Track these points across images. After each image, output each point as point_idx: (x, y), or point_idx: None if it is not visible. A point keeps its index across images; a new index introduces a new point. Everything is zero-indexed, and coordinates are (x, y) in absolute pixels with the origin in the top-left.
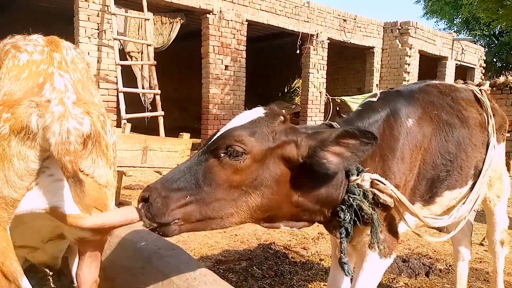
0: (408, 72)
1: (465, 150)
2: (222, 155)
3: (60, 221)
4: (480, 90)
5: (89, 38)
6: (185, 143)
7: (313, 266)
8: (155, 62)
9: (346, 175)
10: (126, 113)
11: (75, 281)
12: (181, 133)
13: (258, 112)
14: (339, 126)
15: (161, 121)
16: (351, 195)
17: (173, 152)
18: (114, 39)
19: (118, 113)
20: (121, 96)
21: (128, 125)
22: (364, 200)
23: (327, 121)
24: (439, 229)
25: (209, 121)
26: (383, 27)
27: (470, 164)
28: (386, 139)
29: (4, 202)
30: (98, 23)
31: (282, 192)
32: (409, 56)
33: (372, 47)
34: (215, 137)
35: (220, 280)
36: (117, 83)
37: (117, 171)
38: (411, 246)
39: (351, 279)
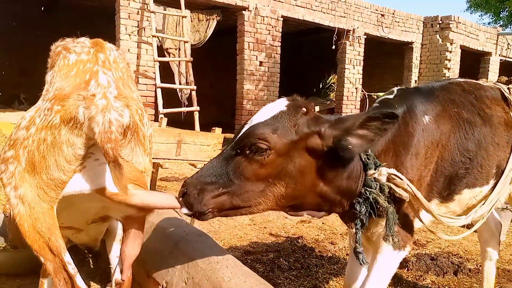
0: (449, 68)
1: (486, 149)
2: (248, 152)
3: (109, 199)
4: (508, 88)
5: (129, 35)
6: (217, 137)
7: (339, 260)
8: (192, 58)
9: (364, 169)
10: (163, 108)
11: (112, 264)
12: (214, 128)
13: (281, 104)
14: None
15: (196, 116)
16: (368, 188)
17: (205, 145)
18: (153, 36)
19: (156, 107)
20: (158, 91)
21: (165, 120)
22: (380, 193)
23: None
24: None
25: (242, 116)
26: (423, 22)
27: (492, 163)
28: (401, 135)
29: (53, 183)
30: (138, 21)
31: (306, 182)
32: (450, 52)
33: (411, 43)
34: (241, 133)
35: (240, 265)
36: (155, 78)
37: (153, 163)
38: (442, 245)
39: None
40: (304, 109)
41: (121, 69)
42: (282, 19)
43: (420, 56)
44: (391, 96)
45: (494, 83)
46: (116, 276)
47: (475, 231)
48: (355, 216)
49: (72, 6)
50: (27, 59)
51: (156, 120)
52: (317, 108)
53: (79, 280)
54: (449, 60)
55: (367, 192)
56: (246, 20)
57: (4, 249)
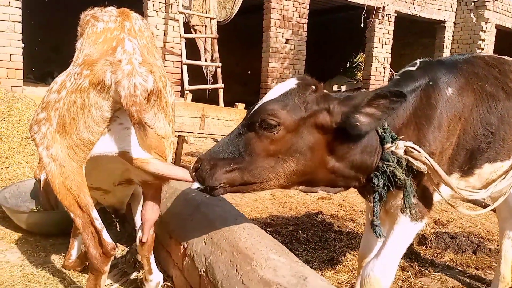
0: (482, 49)
1: (508, 123)
2: (258, 128)
3: (129, 163)
4: None
5: (156, 11)
6: (240, 113)
7: (358, 235)
8: (217, 35)
9: (381, 143)
10: (189, 85)
11: (137, 226)
12: (236, 103)
13: (291, 83)
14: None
15: (221, 93)
16: (385, 162)
17: (228, 120)
18: (180, 12)
19: (181, 84)
20: (184, 68)
21: (190, 95)
22: (397, 166)
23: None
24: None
25: None
26: (457, 0)
27: None
28: (423, 108)
29: (83, 143)
30: None
31: (317, 158)
32: (484, 31)
33: (444, 21)
34: (253, 111)
35: (257, 228)
36: (181, 55)
37: (178, 137)
38: (463, 225)
39: None
40: (314, 87)
41: (145, 38)
42: None
43: (453, 36)
44: (414, 68)
45: None
46: (139, 234)
47: (492, 210)
48: (373, 189)
49: None
50: (59, 35)
51: (182, 96)
52: (343, 88)
53: (105, 234)
54: (483, 40)
55: (385, 166)
56: None
57: (37, 211)
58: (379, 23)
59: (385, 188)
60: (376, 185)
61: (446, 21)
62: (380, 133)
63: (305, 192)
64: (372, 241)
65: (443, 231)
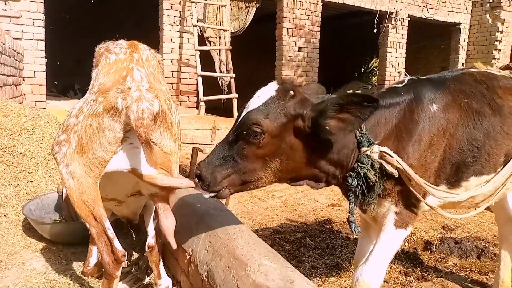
0: (499, 50)
1: (494, 138)
2: (246, 136)
3: (138, 179)
4: None
5: (172, 25)
6: None
7: None
8: (231, 47)
9: (357, 146)
10: (203, 96)
11: (149, 235)
12: None
13: (271, 89)
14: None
15: (235, 103)
16: (360, 164)
17: None
18: (194, 26)
19: (197, 95)
20: (199, 79)
21: (203, 107)
22: (371, 169)
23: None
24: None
25: None
26: (472, 1)
27: (500, 152)
28: (405, 122)
29: (98, 161)
30: (180, 11)
31: (298, 157)
32: (501, 32)
33: (459, 24)
34: (239, 119)
35: (254, 236)
36: (196, 67)
37: (193, 148)
38: (471, 230)
39: None
40: (292, 93)
41: (152, 66)
42: (321, 3)
43: (468, 38)
44: (400, 85)
45: (511, 72)
46: (149, 241)
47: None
48: (349, 189)
49: None
50: (80, 49)
51: (197, 107)
52: None
53: (116, 243)
54: (500, 41)
55: (359, 167)
56: (285, 6)
57: (59, 222)
58: (393, 28)
59: (359, 187)
60: (350, 184)
61: (461, 23)
62: (357, 137)
63: (294, 186)
64: (365, 247)
65: (449, 236)
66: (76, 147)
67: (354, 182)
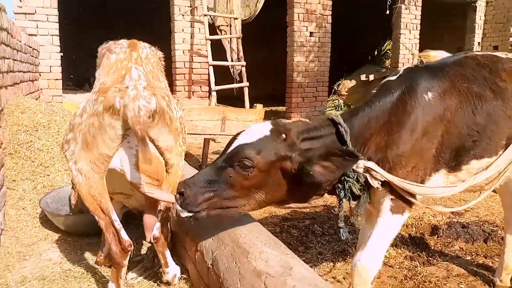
0: None
1: (496, 122)
2: (236, 166)
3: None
4: None
5: (183, 15)
6: (258, 113)
7: None
8: (241, 35)
9: None
10: (215, 85)
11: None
12: (255, 104)
13: (266, 129)
14: (341, 122)
15: (246, 91)
16: (346, 177)
17: (248, 121)
18: (204, 15)
19: (209, 84)
20: (211, 69)
21: (214, 97)
22: (355, 182)
23: (333, 114)
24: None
25: (293, 89)
26: None
27: (502, 135)
28: (397, 114)
29: (102, 157)
30: (190, 1)
31: (283, 190)
32: None
33: (475, 1)
34: (231, 148)
35: (258, 225)
36: (207, 56)
37: (204, 139)
38: (480, 214)
39: None
40: (284, 136)
41: (151, 64)
42: None
43: (485, 16)
44: (394, 78)
45: None
46: (154, 232)
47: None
48: (337, 197)
49: None
50: (94, 41)
51: (209, 97)
52: (371, 77)
53: (123, 233)
54: None
55: (345, 181)
56: None
57: (74, 214)
58: (406, 9)
59: (347, 197)
60: (338, 195)
61: (477, 1)
62: None
63: (279, 208)
64: (367, 234)
65: (456, 221)
66: (82, 145)
67: (341, 194)
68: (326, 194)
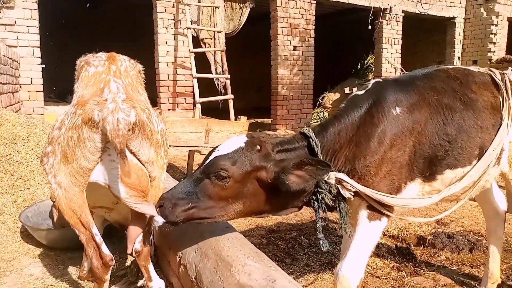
0: (494, 43)
1: (467, 132)
2: (212, 177)
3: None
4: (501, 73)
5: (166, 28)
6: (242, 125)
7: None
8: (225, 48)
9: None
10: (200, 97)
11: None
12: (239, 116)
13: (241, 141)
14: (312, 135)
15: (231, 104)
16: (319, 189)
17: (232, 133)
18: (188, 28)
19: (193, 97)
20: (195, 81)
21: (198, 109)
22: (328, 194)
23: (305, 128)
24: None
25: (278, 102)
26: None
27: (473, 145)
28: (365, 127)
29: (82, 171)
30: (173, 14)
31: (260, 200)
32: (496, 25)
33: (453, 18)
34: (209, 160)
35: (241, 237)
36: (191, 69)
37: (189, 150)
38: (465, 224)
39: None
40: (258, 147)
41: (131, 76)
42: (315, 1)
43: (464, 31)
44: (362, 92)
45: (488, 69)
46: (136, 246)
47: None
48: (313, 208)
49: (114, 2)
50: (77, 54)
51: (193, 109)
52: (355, 90)
53: (104, 247)
54: (495, 34)
55: (318, 193)
56: (278, 5)
57: (55, 228)
58: (387, 24)
59: (322, 208)
60: (313, 206)
61: (455, 17)
62: None
63: (257, 217)
64: (348, 243)
65: (442, 231)
66: (62, 158)
67: (316, 205)
68: (305, 207)
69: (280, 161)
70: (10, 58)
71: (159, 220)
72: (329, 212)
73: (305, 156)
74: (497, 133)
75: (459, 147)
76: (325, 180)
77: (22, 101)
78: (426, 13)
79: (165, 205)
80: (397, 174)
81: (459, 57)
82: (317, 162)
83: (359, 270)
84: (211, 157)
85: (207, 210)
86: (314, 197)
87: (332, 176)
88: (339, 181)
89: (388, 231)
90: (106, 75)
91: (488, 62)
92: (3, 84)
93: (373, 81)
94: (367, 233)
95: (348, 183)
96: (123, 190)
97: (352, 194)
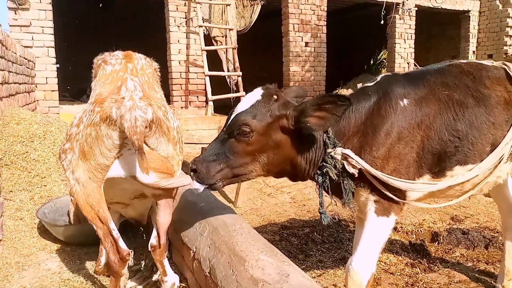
0: (510, 36)
1: (478, 128)
2: (236, 135)
3: (139, 184)
4: None
5: (178, 26)
6: None
7: None
8: (236, 45)
9: (324, 148)
10: (212, 95)
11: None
12: None
13: (257, 94)
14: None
15: None
16: (324, 163)
17: None
18: (199, 26)
19: (206, 94)
20: (207, 79)
21: (210, 107)
22: (333, 168)
23: None
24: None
25: None
26: None
27: (485, 141)
28: (372, 118)
29: (100, 167)
30: (185, 12)
31: (283, 152)
32: None
33: (468, 11)
34: (230, 120)
35: (254, 232)
36: (203, 67)
37: (202, 148)
38: (480, 220)
39: None
40: (275, 97)
41: (147, 74)
42: None
43: (478, 25)
44: (371, 84)
45: (502, 63)
46: (151, 241)
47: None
48: (317, 184)
49: (127, 2)
50: (91, 54)
51: (206, 106)
52: None
53: (121, 242)
54: (511, 27)
55: (323, 167)
56: (290, 2)
57: (72, 224)
58: (400, 19)
59: (325, 183)
60: (317, 180)
61: (470, 10)
62: (324, 139)
63: (276, 178)
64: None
65: (457, 227)
66: (80, 154)
67: (320, 179)
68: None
69: (299, 105)
70: (26, 59)
71: (198, 187)
72: (335, 197)
73: (323, 95)
74: (510, 128)
75: (470, 143)
76: (331, 155)
77: (37, 100)
78: (439, 7)
79: (198, 169)
80: (404, 172)
81: (474, 51)
82: (336, 97)
83: (369, 265)
84: (232, 117)
85: (238, 168)
86: (319, 171)
87: (338, 151)
88: (345, 157)
89: (402, 227)
90: (123, 73)
91: (504, 56)
92: (20, 84)
93: (383, 74)
94: (375, 229)
95: (353, 159)
96: (152, 175)
97: (357, 171)
